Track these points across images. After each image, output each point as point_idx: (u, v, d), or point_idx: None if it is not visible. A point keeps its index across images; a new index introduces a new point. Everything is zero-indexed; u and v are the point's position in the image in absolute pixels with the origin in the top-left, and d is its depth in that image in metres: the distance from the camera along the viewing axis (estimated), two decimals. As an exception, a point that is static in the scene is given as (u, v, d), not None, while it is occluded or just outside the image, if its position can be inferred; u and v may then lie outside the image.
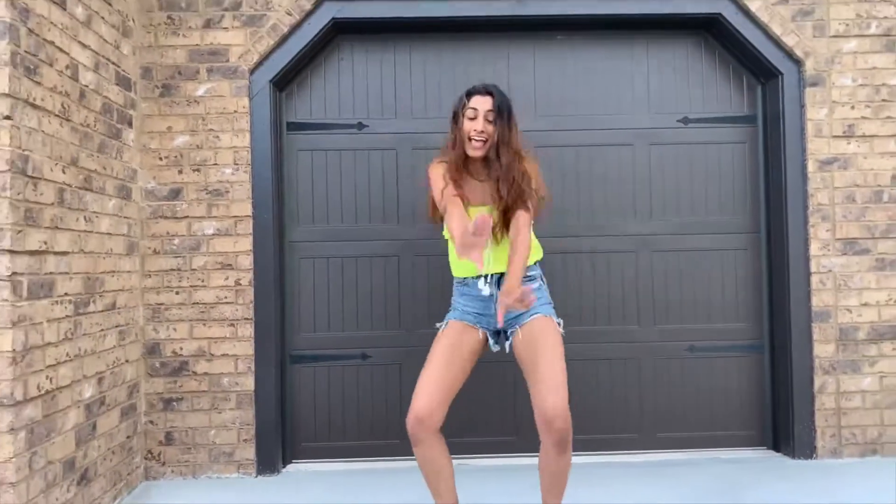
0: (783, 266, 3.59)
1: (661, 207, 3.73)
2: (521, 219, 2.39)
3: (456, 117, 2.47)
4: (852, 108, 3.56)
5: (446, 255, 2.68)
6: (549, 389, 2.27)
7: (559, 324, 2.46)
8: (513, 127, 2.44)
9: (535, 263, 2.53)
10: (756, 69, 3.72)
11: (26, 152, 2.40)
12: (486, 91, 2.44)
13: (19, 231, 2.35)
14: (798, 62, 3.58)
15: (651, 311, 3.72)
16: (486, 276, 2.47)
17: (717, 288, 3.74)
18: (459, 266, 2.53)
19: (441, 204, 2.37)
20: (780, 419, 3.65)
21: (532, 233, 2.46)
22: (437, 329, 2.54)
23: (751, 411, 3.73)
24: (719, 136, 3.76)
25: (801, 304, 3.56)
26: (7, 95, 2.30)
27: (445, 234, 2.50)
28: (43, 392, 2.48)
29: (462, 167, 2.46)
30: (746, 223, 3.75)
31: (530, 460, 3.43)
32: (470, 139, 2.42)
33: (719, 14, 3.57)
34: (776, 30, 3.54)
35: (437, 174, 2.44)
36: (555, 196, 3.63)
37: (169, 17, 3.44)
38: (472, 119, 2.41)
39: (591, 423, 3.61)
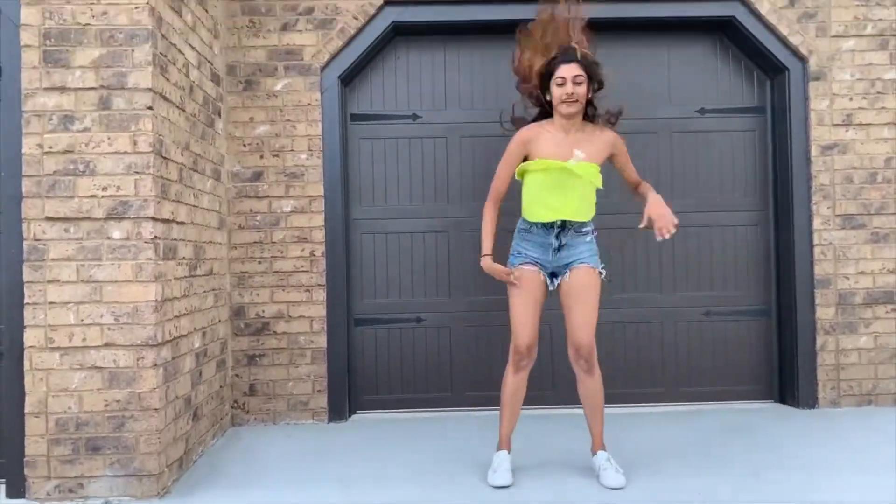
0: (789, 239, 4.08)
1: (682, 187, 4.21)
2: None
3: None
4: (850, 99, 4.03)
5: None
6: (580, 327, 2.85)
7: (602, 272, 2.92)
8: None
9: (590, 220, 2.94)
10: (765, 66, 4.19)
11: (161, 137, 2.89)
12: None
13: (158, 202, 2.84)
14: (803, 59, 4.05)
15: (672, 280, 4.21)
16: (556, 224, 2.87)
17: (731, 259, 4.22)
18: (539, 210, 2.87)
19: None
20: (785, 374, 4.13)
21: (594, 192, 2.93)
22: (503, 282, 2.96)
23: (760, 368, 4.22)
24: (732, 125, 4.24)
25: (804, 272, 4.04)
26: (150, 90, 2.79)
27: (518, 175, 2.95)
28: (171, 338, 2.97)
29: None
30: (756, 202, 4.23)
31: (566, 410, 3.94)
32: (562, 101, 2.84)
33: (733, 17, 4.04)
34: (783, 31, 4.01)
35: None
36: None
37: (251, 21, 3.92)
38: (560, 85, 2.85)
39: (624, 380, 4.12)
